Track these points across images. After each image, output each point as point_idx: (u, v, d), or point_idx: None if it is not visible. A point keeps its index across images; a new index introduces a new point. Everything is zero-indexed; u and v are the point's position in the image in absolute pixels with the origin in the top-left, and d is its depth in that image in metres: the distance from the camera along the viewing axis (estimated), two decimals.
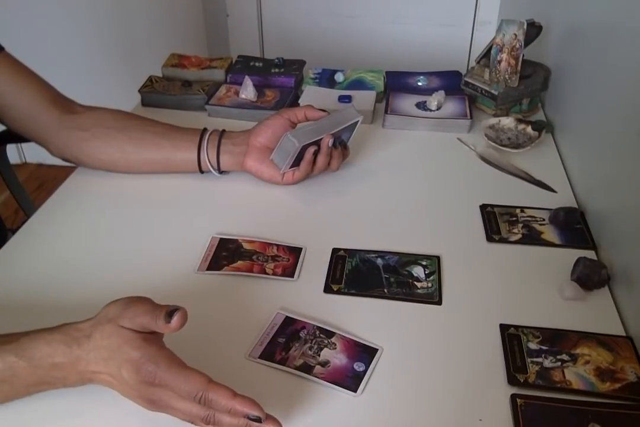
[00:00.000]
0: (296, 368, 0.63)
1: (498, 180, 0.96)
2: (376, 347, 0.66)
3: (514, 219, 0.86)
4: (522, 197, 0.90)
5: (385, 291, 0.73)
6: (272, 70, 1.22)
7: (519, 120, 1.07)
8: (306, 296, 0.73)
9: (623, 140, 0.80)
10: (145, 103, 1.17)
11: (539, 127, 1.04)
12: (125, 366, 0.53)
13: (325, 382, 0.61)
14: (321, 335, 0.66)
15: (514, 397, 0.60)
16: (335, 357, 0.64)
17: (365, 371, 0.63)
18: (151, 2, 2.11)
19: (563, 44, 1.13)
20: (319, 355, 0.64)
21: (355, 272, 0.76)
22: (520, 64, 1.04)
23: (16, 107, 0.88)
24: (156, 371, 0.53)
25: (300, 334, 0.66)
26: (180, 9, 2.14)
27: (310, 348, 0.65)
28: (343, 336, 0.66)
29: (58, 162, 0.95)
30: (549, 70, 1.14)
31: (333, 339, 0.66)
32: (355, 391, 0.61)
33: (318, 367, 0.63)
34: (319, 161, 0.88)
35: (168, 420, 0.55)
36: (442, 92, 1.13)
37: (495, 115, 1.11)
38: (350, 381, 0.62)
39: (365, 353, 0.65)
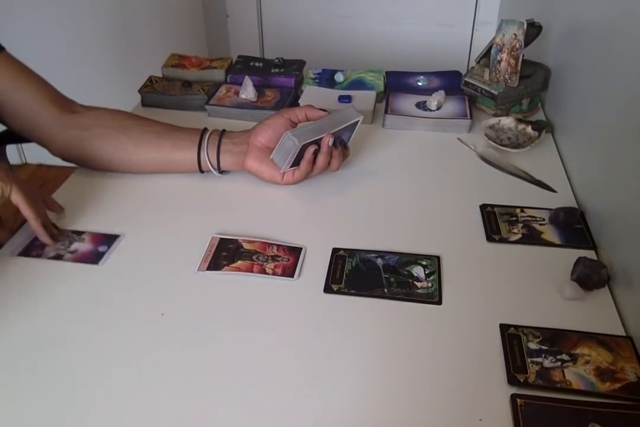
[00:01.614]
0: None
1: (498, 180, 0.96)
2: None
3: (514, 219, 0.86)
4: (522, 197, 0.90)
5: (385, 291, 0.73)
6: (272, 71, 1.22)
7: (519, 120, 1.07)
8: (306, 296, 0.73)
9: (623, 141, 0.80)
10: (145, 103, 1.17)
11: (539, 127, 1.04)
12: None
13: None
14: None
15: (514, 397, 0.60)
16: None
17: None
18: (151, 2, 2.11)
19: (563, 44, 1.13)
20: None
21: (355, 272, 0.76)
22: (520, 64, 1.04)
23: (16, 107, 0.88)
24: None
25: None
26: (180, 9, 2.14)
27: None
28: None
29: (58, 162, 0.95)
30: (549, 70, 1.14)
31: None
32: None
33: None
34: (319, 161, 0.88)
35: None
36: (442, 92, 1.13)
37: (495, 115, 1.11)
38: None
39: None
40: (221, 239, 0.81)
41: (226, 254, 0.78)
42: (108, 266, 0.77)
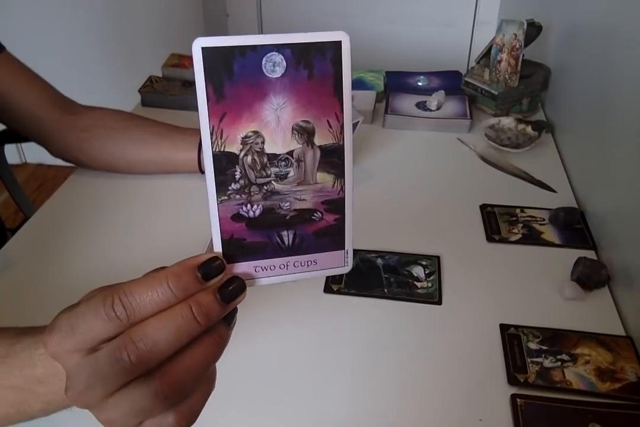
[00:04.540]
0: None
1: (498, 180, 0.96)
2: None
3: (514, 219, 0.86)
4: (522, 197, 0.90)
5: (385, 291, 0.73)
6: None
7: (519, 120, 1.07)
8: (306, 296, 0.73)
9: (623, 141, 0.80)
10: (145, 103, 1.17)
11: (539, 127, 1.04)
12: None
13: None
14: None
15: (514, 397, 0.60)
16: None
17: None
18: (151, 2, 2.11)
19: (563, 44, 1.13)
20: None
21: (355, 272, 0.76)
22: (520, 64, 1.04)
23: (17, 108, 0.88)
24: None
25: None
26: (180, 9, 2.14)
27: None
28: None
29: (58, 162, 0.95)
30: (549, 70, 1.14)
31: None
32: None
33: None
34: None
35: None
36: (442, 92, 1.13)
37: (495, 115, 1.11)
38: None
39: None
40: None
41: None
42: (104, 265, 0.77)
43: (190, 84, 1.16)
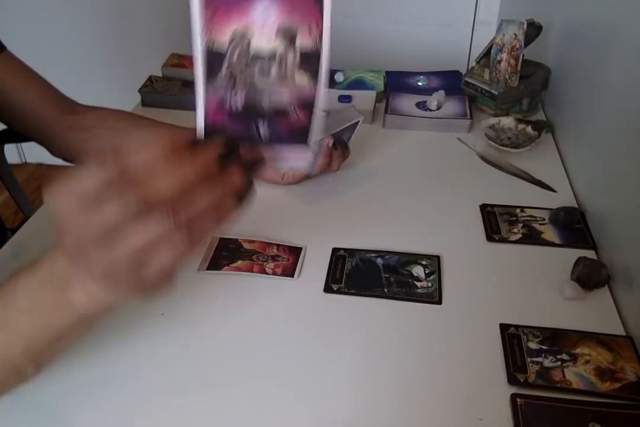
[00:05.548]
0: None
1: (498, 180, 0.96)
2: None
3: (514, 218, 0.86)
4: (522, 197, 0.90)
5: (385, 290, 0.73)
6: None
7: (519, 120, 1.07)
8: (306, 296, 0.73)
9: (623, 140, 0.80)
10: (145, 103, 1.17)
11: (539, 127, 1.04)
12: None
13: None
14: None
15: (514, 397, 0.60)
16: None
17: None
18: (151, 2, 2.11)
19: (563, 44, 1.13)
20: None
21: (355, 272, 0.76)
22: (520, 64, 1.04)
23: (18, 107, 0.88)
24: None
25: None
26: (180, 9, 2.14)
27: None
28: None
29: (58, 162, 0.95)
30: (549, 70, 1.14)
31: None
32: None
33: None
34: (319, 162, 0.88)
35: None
36: (442, 92, 1.13)
37: (495, 115, 1.11)
38: None
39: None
40: (221, 238, 0.81)
41: (226, 253, 0.78)
42: None
43: (190, 84, 1.16)
